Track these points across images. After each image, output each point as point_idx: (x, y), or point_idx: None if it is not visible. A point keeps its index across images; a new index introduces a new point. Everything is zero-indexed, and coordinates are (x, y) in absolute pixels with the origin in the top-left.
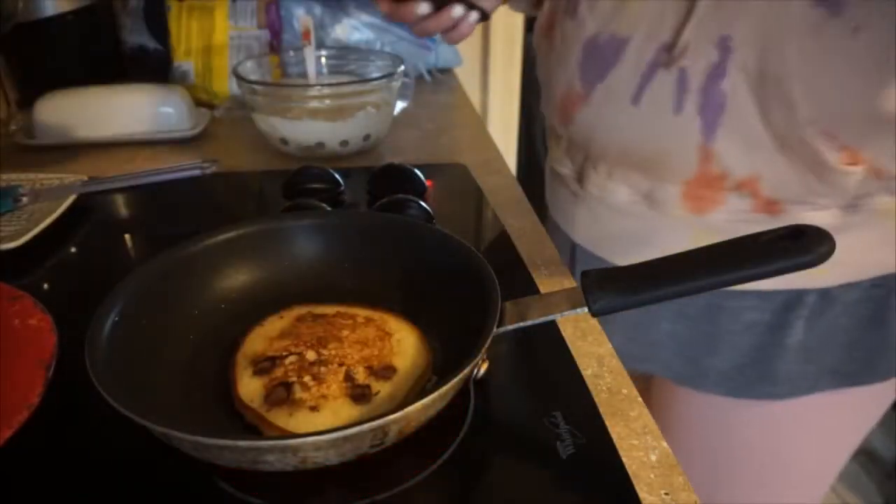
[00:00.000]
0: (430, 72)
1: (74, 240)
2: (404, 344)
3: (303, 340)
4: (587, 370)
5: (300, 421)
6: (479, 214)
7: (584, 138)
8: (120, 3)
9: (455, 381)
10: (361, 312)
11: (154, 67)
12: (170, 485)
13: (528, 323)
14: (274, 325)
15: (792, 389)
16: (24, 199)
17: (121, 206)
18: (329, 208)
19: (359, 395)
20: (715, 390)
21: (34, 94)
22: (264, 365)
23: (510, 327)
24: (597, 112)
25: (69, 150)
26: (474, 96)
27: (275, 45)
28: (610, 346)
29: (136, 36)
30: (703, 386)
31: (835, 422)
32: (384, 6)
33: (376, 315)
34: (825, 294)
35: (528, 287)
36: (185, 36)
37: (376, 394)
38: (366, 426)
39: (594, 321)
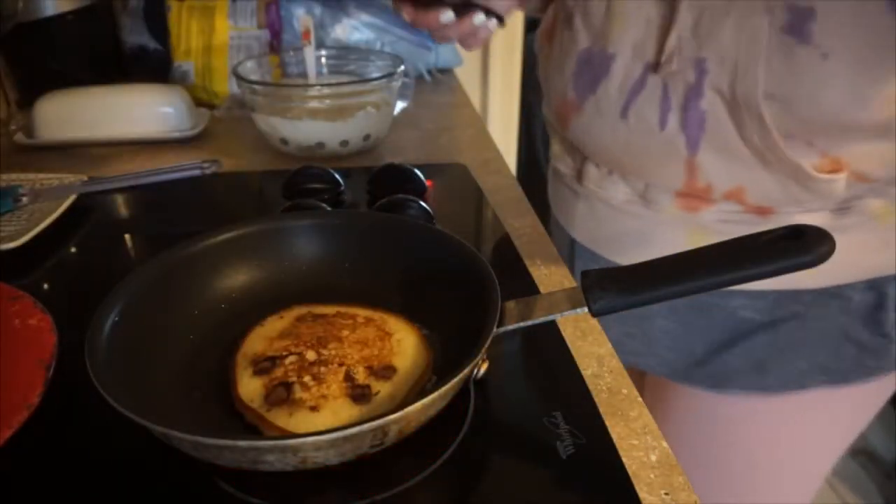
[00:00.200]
0: (430, 72)
1: (74, 240)
2: (404, 344)
3: (303, 340)
4: (587, 370)
5: (300, 421)
6: (479, 214)
7: (579, 143)
8: (120, 3)
9: (455, 381)
10: (361, 312)
11: (154, 67)
12: (170, 485)
13: (528, 323)
14: (274, 325)
15: (782, 386)
16: (24, 199)
17: (121, 206)
18: (329, 208)
19: (359, 395)
20: (707, 386)
21: (34, 94)
22: (264, 365)
23: (510, 327)
24: (589, 122)
25: (69, 150)
26: (474, 96)
27: (275, 45)
28: (610, 346)
29: (136, 36)
30: (696, 382)
31: (826, 420)
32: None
33: (376, 315)
34: (819, 294)
35: (528, 287)
36: (185, 36)
37: (376, 394)
38: (366, 426)
39: (594, 321)
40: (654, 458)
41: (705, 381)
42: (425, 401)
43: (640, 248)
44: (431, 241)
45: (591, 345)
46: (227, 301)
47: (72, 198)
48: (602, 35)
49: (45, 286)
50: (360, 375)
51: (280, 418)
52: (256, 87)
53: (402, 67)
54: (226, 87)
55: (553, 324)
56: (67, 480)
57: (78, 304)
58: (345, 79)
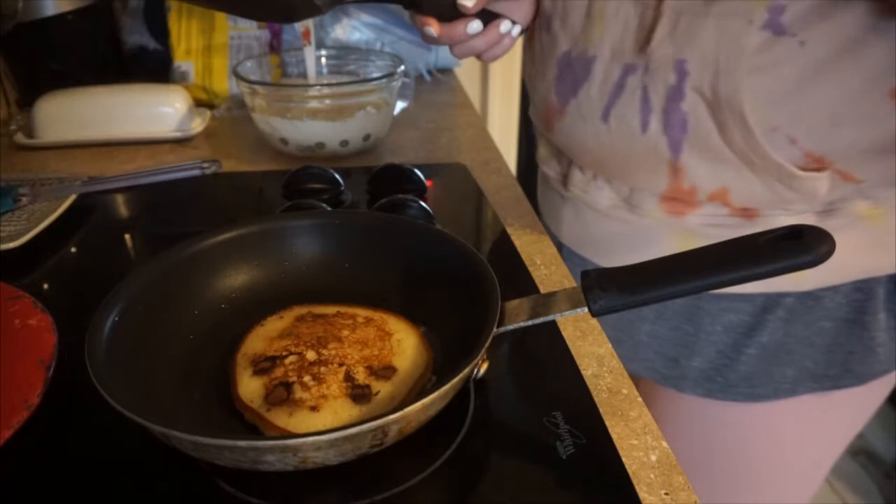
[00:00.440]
0: (430, 72)
1: (74, 240)
2: (404, 344)
3: (303, 340)
4: (587, 370)
5: (300, 421)
6: (479, 214)
7: (564, 146)
8: (120, 3)
9: (455, 381)
10: (361, 312)
11: (154, 67)
12: (170, 485)
13: (528, 323)
14: (274, 325)
15: (772, 392)
16: (24, 199)
17: (121, 206)
18: (329, 208)
19: (359, 395)
20: (695, 392)
21: (34, 94)
22: (264, 365)
23: (510, 327)
24: (571, 125)
25: (69, 150)
26: (474, 96)
27: (275, 45)
28: (610, 346)
29: (136, 36)
30: (684, 387)
31: (817, 425)
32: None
33: (376, 315)
34: (805, 297)
35: (528, 287)
36: (185, 36)
37: (376, 394)
38: (366, 426)
39: (594, 321)
40: (654, 458)
41: (693, 386)
42: (425, 401)
43: (627, 253)
44: (431, 241)
45: (590, 345)
46: (227, 301)
47: (72, 198)
48: (582, 38)
49: (45, 286)
50: (360, 375)
51: (280, 418)
52: (256, 87)
53: (402, 67)
54: (226, 87)
55: (553, 324)
56: (67, 480)
57: (78, 304)
58: (345, 79)
